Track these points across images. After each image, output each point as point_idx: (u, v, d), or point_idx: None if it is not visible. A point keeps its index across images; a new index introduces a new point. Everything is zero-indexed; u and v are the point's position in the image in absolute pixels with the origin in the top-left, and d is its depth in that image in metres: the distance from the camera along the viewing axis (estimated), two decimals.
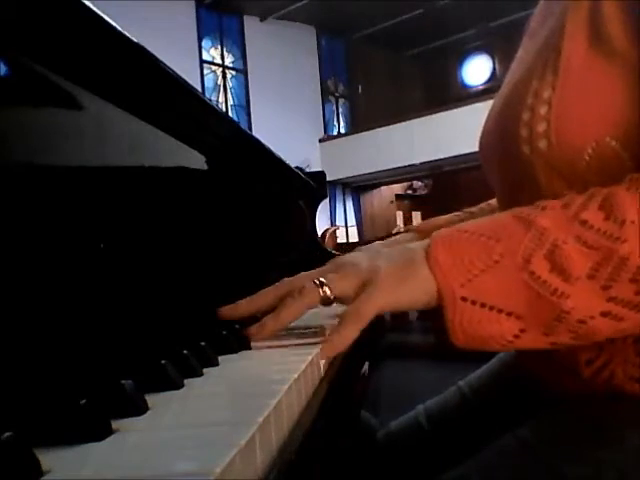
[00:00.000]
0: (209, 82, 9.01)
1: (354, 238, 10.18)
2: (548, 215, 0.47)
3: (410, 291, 0.49)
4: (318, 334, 0.56)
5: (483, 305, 0.47)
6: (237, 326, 0.56)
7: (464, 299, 0.47)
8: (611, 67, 0.53)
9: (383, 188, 11.11)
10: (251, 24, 9.51)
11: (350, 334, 0.49)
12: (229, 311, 0.55)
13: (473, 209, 0.89)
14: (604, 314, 0.45)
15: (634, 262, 0.43)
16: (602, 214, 0.45)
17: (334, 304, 0.52)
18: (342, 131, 11.05)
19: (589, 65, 0.54)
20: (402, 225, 10.31)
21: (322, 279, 0.51)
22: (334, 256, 0.62)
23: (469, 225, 0.50)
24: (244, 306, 0.55)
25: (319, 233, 1.64)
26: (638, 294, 0.44)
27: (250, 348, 0.52)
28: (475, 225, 0.50)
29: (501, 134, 0.63)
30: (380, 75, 11.44)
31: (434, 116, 9.17)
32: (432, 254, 0.49)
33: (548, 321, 0.46)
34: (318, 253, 1.32)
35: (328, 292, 0.51)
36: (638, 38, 0.51)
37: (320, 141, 10.39)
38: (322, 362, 0.48)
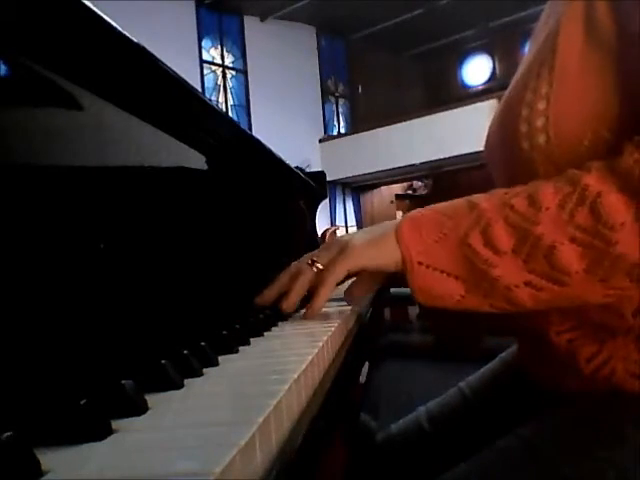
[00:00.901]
0: (209, 82, 9.00)
1: None
2: (489, 199, 0.56)
3: (377, 255, 0.60)
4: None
5: (435, 269, 0.56)
6: (237, 326, 0.56)
7: (420, 263, 0.56)
8: (605, 62, 0.55)
9: (383, 188, 11.11)
10: (251, 24, 9.50)
11: (324, 292, 0.61)
12: (261, 300, 0.67)
13: None
14: (526, 283, 0.53)
15: (546, 241, 0.52)
16: (526, 201, 0.54)
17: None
18: (342, 131, 11.05)
19: (584, 60, 0.56)
20: None
21: (314, 258, 0.64)
22: None
23: (433, 205, 0.60)
24: (271, 293, 0.67)
25: (319, 233, 1.64)
26: (552, 268, 0.52)
27: (249, 343, 0.53)
28: (438, 205, 0.60)
29: (503, 132, 0.64)
30: (380, 75, 11.44)
31: (434, 116, 9.17)
32: (399, 228, 0.58)
33: (484, 286, 0.55)
34: None
35: (320, 266, 0.63)
36: (622, 35, 0.53)
37: (320, 141, 10.39)
38: (321, 363, 0.48)
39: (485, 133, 0.72)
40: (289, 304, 0.64)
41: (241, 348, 0.51)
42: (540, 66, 0.59)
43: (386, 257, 0.59)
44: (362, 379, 0.68)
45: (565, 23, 0.57)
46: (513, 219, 0.54)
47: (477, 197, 0.58)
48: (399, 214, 11.31)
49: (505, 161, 0.65)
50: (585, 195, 0.51)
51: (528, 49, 0.71)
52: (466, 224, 0.55)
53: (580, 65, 0.56)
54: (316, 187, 1.42)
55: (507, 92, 0.66)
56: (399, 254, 0.58)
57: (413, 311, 5.31)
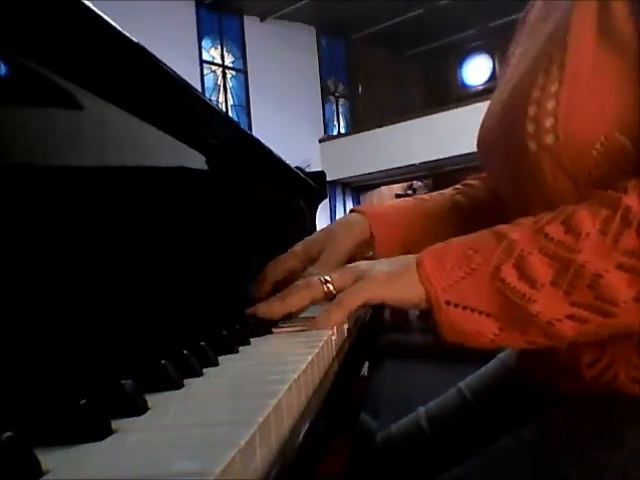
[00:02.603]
0: (209, 82, 9.00)
1: None
2: (519, 229, 0.53)
3: (397, 290, 0.56)
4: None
5: (465, 307, 0.52)
6: (237, 326, 0.56)
7: (447, 302, 0.53)
8: (619, 62, 0.53)
9: (383, 188, 11.11)
10: (251, 24, 9.50)
11: (335, 316, 0.56)
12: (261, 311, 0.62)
13: (425, 196, 0.87)
14: (569, 317, 0.50)
15: (590, 270, 0.48)
16: (563, 227, 0.50)
17: None
18: (342, 131, 11.04)
19: (597, 60, 0.54)
20: None
21: (327, 277, 0.59)
22: None
23: (457, 239, 0.57)
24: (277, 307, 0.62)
25: None
26: (597, 299, 0.48)
27: (249, 343, 0.53)
28: (461, 238, 0.56)
29: (506, 130, 0.62)
30: (380, 75, 11.43)
31: (434, 116, 9.16)
32: (421, 263, 0.55)
33: (520, 322, 0.51)
34: None
35: (331, 287, 0.59)
36: None
37: (320, 141, 10.38)
38: (321, 363, 0.48)
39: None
40: (283, 308, 0.60)
41: (241, 348, 0.51)
42: (549, 63, 0.56)
43: (408, 293, 0.55)
44: (362, 379, 0.68)
45: (576, 22, 0.55)
46: (550, 249, 0.50)
47: (503, 227, 0.54)
48: None
49: (507, 160, 0.63)
50: (629, 218, 0.48)
51: (520, 43, 0.70)
52: (496, 257, 0.52)
53: (593, 66, 0.54)
54: (316, 187, 1.42)
55: (506, 87, 0.64)
56: (422, 291, 0.54)
57: (413, 311, 5.31)
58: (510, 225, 0.54)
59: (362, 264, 0.60)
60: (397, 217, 0.81)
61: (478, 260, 0.53)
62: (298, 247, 0.78)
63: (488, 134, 0.68)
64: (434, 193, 0.88)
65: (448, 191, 0.87)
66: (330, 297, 0.59)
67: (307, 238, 0.80)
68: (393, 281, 0.56)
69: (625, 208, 0.48)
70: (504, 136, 0.63)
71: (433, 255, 0.55)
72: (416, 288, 0.54)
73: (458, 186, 0.87)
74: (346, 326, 0.64)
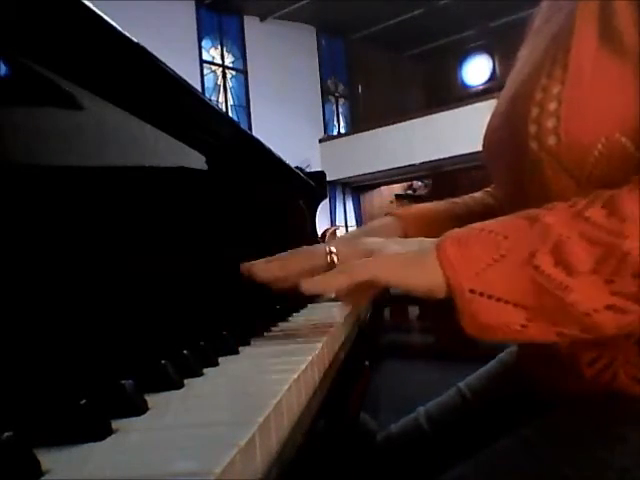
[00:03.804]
0: (209, 82, 9.00)
1: None
2: (554, 213, 0.49)
3: (411, 276, 0.52)
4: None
5: (490, 297, 0.48)
6: (237, 326, 0.56)
7: (472, 291, 0.49)
8: (621, 63, 0.53)
9: (383, 188, 11.11)
10: (251, 24, 9.50)
11: (334, 281, 0.53)
12: (246, 268, 0.60)
13: (457, 200, 0.88)
14: (608, 307, 0.46)
15: (636, 257, 0.45)
16: (605, 211, 0.47)
17: None
18: (342, 131, 11.04)
19: (599, 62, 0.54)
20: None
21: (332, 248, 0.57)
22: None
23: (479, 224, 0.52)
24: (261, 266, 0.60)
25: (319, 233, 1.64)
26: None
27: (249, 343, 0.53)
28: (485, 224, 0.52)
29: (509, 131, 0.62)
30: (380, 75, 11.44)
31: (434, 116, 9.17)
32: (442, 248, 0.51)
33: (554, 313, 0.48)
34: None
35: (335, 259, 0.56)
36: None
37: (320, 141, 10.38)
38: (321, 363, 0.48)
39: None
40: (283, 269, 0.58)
41: (241, 348, 0.51)
42: (552, 64, 0.57)
43: (422, 280, 0.51)
44: (362, 379, 0.68)
45: (579, 23, 0.55)
46: (592, 234, 0.46)
47: (535, 211, 0.50)
48: None
49: (509, 160, 0.63)
50: None
51: (526, 44, 0.70)
52: (529, 242, 0.48)
53: (594, 67, 0.54)
54: (316, 187, 1.42)
55: (510, 88, 0.64)
56: (441, 278, 0.50)
57: (413, 311, 5.31)
58: (543, 209, 0.50)
59: (373, 240, 0.57)
60: (430, 219, 0.82)
61: (508, 246, 0.49)
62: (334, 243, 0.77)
63: (492, 134, 0.69)
64: (465, 196, 0.90)
65: (478, 194, 0.88)
66: (331, 267, 0.56)
67: (344, 235, 0.80)
68: (408, 264, 0.52)
69: None
70: (507, 136, 0.63)
71: (456, 240, 0.51)
72: (434, 274, 0.50)
73: (488, 189, 0.88)
74: (345, 328, 0.64)
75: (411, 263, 0.52)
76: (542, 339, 0.50)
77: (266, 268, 0.59)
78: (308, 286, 0.54)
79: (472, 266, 0.49)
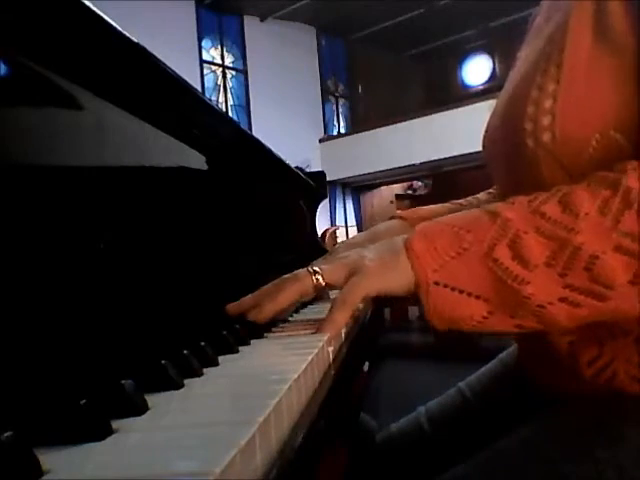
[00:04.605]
0: (209, 82, 9.00)
1: None
2: (514, 208, 0.51)
3: (392, 277, 0.53)
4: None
5: (453, 289, 0.50)
6: (237, 326, 0.56)
7: (436, 283, 0.51)
8: (615, 61, 0.53)
9: (383, 188, 11.10)
10: (251, 24, 9.50)
11: (340, 318, 0.54)
12: (236, 307, 0.58)
13: (462, 201, 0.90)
14: (561, 300, 0.48)
15: (587, 251, 0.47)
16: (560, 207, 0.49)
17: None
18: (342, 131, 11.04)
19: (593, 60, 0.55)
20: None
21: (315, 268, 0.57)
22: None
23: (445, 218, 0.54)
24: (248, 301, 0.58)
25: (319, 233, 1.64)
26: (592, 281, 0.47)
27: (249, 344, 0.53)
28: (451, 217, 0.54)
29: (506, 129, 0.63)
30: (380, 75, 11.43)
31: (434, 116, 9.16)
32: (409, 244, 0.53)
33: (511, 305, 0.49)
34: (318, 253, 1.32)
35: (320, 279, 0.56)
36: (638, 33, 0.51)
37: (320, 141, 10.38)
38: (321, 363, 0.48)
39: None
40: (275, 306, 0.56)
41: (241, 348, 0.51)
42: (547, 63, 0.57)
43: (400, 279, 0.52)
44: (362, 379, 0.68)
45: (574, 22, 0.56)
46: (546, 228, 0.48)
47: (497, 206, 0.52)
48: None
49: (507, 159, 0.64)
50: (630, 199, 0.47)
51: (526, 45, 0.70)
52: (489, 236, 0.50)
53: (589, 65, 0.55)
54: (316, 187, 1.42)
55: (508, 88, 0.65)
56: (411, 273, 0.52)
57: (413, 311, 5.31)
58: (504, 204, 0.52)
59: (351, 254, 0.57)
60: None
61: (470, 239, 0.51)
62: (340, 248, 0.78)
63: (491, 133, 0.69)
64: (469, 197, 0.90)
65: (482, 195, 0.89)
66: (319, 289, 0.57)
67: (348, 239, 0.80)
68: (385, 270, 0.53)
69: (626, 189, 0.47)
70: (505, 135, 0.64)
71: (422, 236, 0.53)
72: (407, 273, 0.52)
73: (491, 190, 0.88)
74: (348, 326, 0.64)
75: (388, 267, 0.53)
76: (503, 330, 0.51)
77: (260, 314, 0.56)
78: (326, 331, 0.54)
79: (436, 259, 0.51)
